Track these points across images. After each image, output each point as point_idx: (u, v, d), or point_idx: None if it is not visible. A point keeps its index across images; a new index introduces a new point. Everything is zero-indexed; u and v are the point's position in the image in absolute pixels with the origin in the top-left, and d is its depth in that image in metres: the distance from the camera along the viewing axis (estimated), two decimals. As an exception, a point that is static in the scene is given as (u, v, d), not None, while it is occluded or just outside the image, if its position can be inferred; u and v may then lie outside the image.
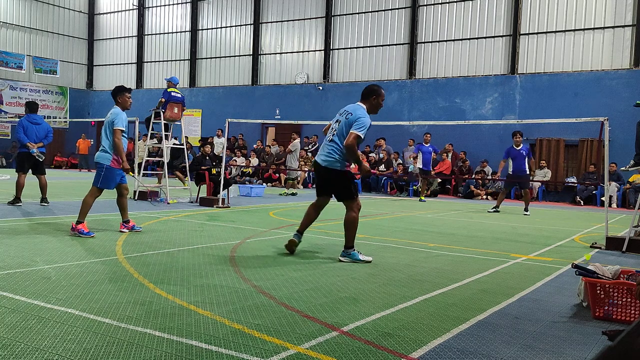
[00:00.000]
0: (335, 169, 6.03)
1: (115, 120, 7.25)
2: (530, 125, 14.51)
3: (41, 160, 10.20)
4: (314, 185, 21.15)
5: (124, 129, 7.27)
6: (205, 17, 27.04)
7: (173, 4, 28.05)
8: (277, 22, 24.80)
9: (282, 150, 21.03)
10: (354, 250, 6.05)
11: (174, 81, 12.72)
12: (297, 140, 17.59)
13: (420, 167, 15.85)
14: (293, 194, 16.28)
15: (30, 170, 10.29)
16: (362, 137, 5.96)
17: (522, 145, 13.09)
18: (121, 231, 7.39)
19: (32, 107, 10.59)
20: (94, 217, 8.98)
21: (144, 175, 13.70)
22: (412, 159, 18.31)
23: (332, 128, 6.17)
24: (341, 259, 6.02)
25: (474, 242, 7.91)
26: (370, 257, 6.06)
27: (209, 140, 17.01)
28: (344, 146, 5.91)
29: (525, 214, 12.61)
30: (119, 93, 7.59)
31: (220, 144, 20.98)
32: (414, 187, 18.51)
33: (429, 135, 16.03)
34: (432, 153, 16.01)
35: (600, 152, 17.05)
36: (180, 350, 3.10)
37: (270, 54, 25.09)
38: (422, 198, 15.89)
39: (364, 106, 6.13)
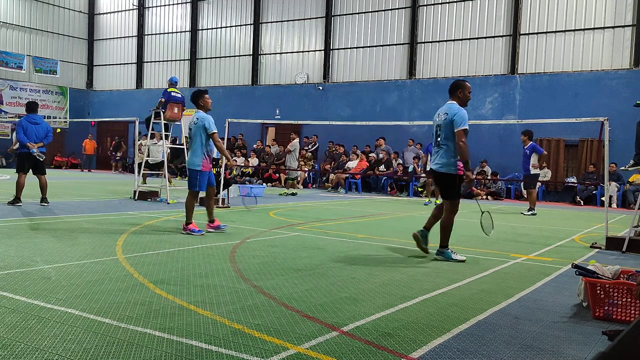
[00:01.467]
0: (447, 172, 6.25)
1: (207, 125, 7.51)
2: (530, 125, 14.48)
3: (41, 160, 10.20)
4: (314, 186, 21.24)
5: (217, 132, 7.55)
6: (205, 17, 27.04)
7: (173, 4, 28.05)
8: (277, 22, 24.79)
9: (282, 150, 21.03)
10: (448, 249, 6.28)
11: (173, 81, 12.75)
12: (296, 140, 17.58)
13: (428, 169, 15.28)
14: (293, 194, 16.28)
15: (31, 171, 10.29)
16: (467, 128, 6.20)
17: (529, 143, 12.92)
18: (208, 231, 7.58)
19: (31, 107, 10.62)
20: (95, 218, 8.98)
21: (144, 175, 13.70)
22: (416, 163, 17.71)
23: (435, 136, 6.46)
24: (436, 257, 6.32)
25: (474, 242, 7.92)
26: (464, 257, 6.26)
27: None
28: (457, 145, 6.16)
29: (524, 214, 12.60)
30: (199, 97, 7.75)
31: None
32: (414, 187, 18.48)
33: None
34: None
35: (600, 152, 17.05)
36: (180, 350, 3.10)
37: (270, 54, 25.09)
38: (438, 201, 15.01)
39: (455, 102, 6.40)
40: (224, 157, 12.21)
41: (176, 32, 27.93)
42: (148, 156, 14.75)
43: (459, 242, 7.75)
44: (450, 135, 6.21)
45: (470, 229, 9.65)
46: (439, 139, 6.34)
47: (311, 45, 23.97)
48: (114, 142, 28.03)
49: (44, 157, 10.27)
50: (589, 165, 17.64)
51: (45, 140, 10.34)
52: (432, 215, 6.63)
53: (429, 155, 15.09)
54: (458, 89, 6.39)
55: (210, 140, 7.60)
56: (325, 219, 10.07)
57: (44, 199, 10.31)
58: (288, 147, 17.53)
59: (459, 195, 6.41)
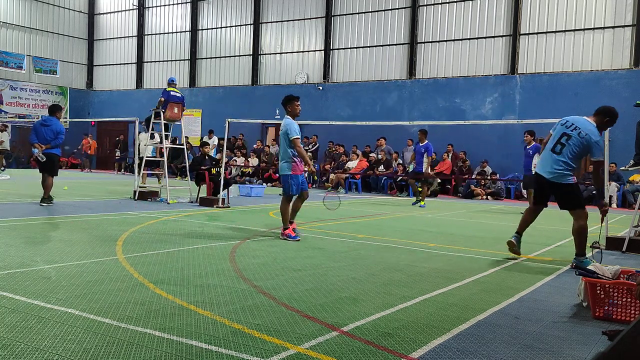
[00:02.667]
0: (567, 183, 6.14)
1: (288, 131, 7.52)
2: (530, 125, 14.47)
3: (41, 161, 10.29)
4: (314, 186, 21.22)
5: (299, 137, 7.54)
6: (205, 17, 27.03)
7: (173, 4, 28.04)
8: (277, 22, 24.78)
9: (282, 150, 21.00)
10: (586, 258, 6.09)
11: (171, 80, 12.82)
12: None
13: (412, 169, 14.58)
14: None
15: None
16: None
17: (533, 144, 12.87)
18: (279, 237, 7.48)
19: (50, 109, 11.02)
20: (95, 218, 8.98)
21: (143, 174, 13.69)
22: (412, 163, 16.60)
23: (558, 141, 6.19)
24: (574, 266, 6.04)
25: (474, 242, 7.91)
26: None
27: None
28: (595, 175, 6.33)
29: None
30: (288, 103, 7.79)
31: (212, 146, 20.21)
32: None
33: (420, 132, 14.61)
34: (425, 154, 14.33)
35: (600, 152, 17.02)
36: (180, 350, 3.10)
37: (270, 54, 25.09)
38: (422, 203, 14.21)
39: (595, 122, 6.22)
40: (225, 157, 12.24)
41: (176, 32, 27.91)
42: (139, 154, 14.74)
43: (459, 242, 7.75)
44: (579, 153, 6.06)
45: (470, 229, 9.66)
46: (563, 148, 6.09)
47: (311, 45, 23.96)
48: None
49: (44, 159, 10.30)
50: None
51: (53, 142, 10.43)
52: (523, 219, 6.53)
53: (415, 155, 14.73)
54: (608, 116, 6.26)
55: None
56: (325, 219, 10.07)
57: (44, 199, 10.31)
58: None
59: (584, 201, 6.38)
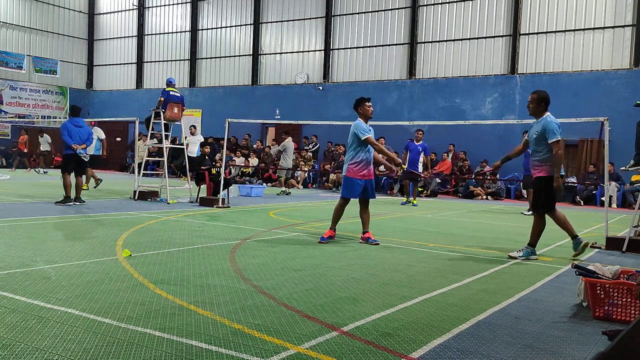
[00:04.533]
0: None
1: (357, 132, 7.30)
2: (529, 125, 14.47)
3: (86, 160, 10.72)
4: (314, 186, 21.23)
5: (370, 135, 7.29)
6: (205, 17, 27.04)
7: (173, 4, 28.05)
8: (277, 22, 24.79)
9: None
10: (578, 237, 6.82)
11: (169, 80, 12.85)
12: (287, 140, 17.51)
13: (405, 168, 14.76)
14: (285, 194, 16.22)
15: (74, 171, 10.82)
16: None
17: None
18: (360, 242, 7.38)
19: (75, 111, 11.30)
20: (95, 218, 8.98)
21: (144, 175, 13.70)
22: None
23: None
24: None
25: (474, 242, 7.91)
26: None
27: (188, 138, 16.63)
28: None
29: (524, 214, 12.59)
30: (359, 105, 7.54)
31: (195, 143, 17.49)
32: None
33: (420, 132, 14.70)
34: (422, 153, 14.39)
35: (600, 152, 17.04)
36: (180, 350, 3.10)
37: (270, 54, 25.09)
38: (414, 202, 14.30)
39: None
40: (225, 158, 12.24)
41: (176, 32, 27.92)
42: (148, 156, 14.74)
43: (459, 242, 7.76)
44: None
45: (470, 229, 9.66)
46: None
47: (311, 45, 23.96)
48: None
49: (88, 158, 10.83)
50: (589, 165, 17.64)
51: (87, 142, 10.85)
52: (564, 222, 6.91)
53: (409, 153, 14.48)
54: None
55: (369, 147, 7.37)
56: (325, 219, 10.06)
57: (78, 198, 10.75)
58: (278, 147, 17.62)
59: None
